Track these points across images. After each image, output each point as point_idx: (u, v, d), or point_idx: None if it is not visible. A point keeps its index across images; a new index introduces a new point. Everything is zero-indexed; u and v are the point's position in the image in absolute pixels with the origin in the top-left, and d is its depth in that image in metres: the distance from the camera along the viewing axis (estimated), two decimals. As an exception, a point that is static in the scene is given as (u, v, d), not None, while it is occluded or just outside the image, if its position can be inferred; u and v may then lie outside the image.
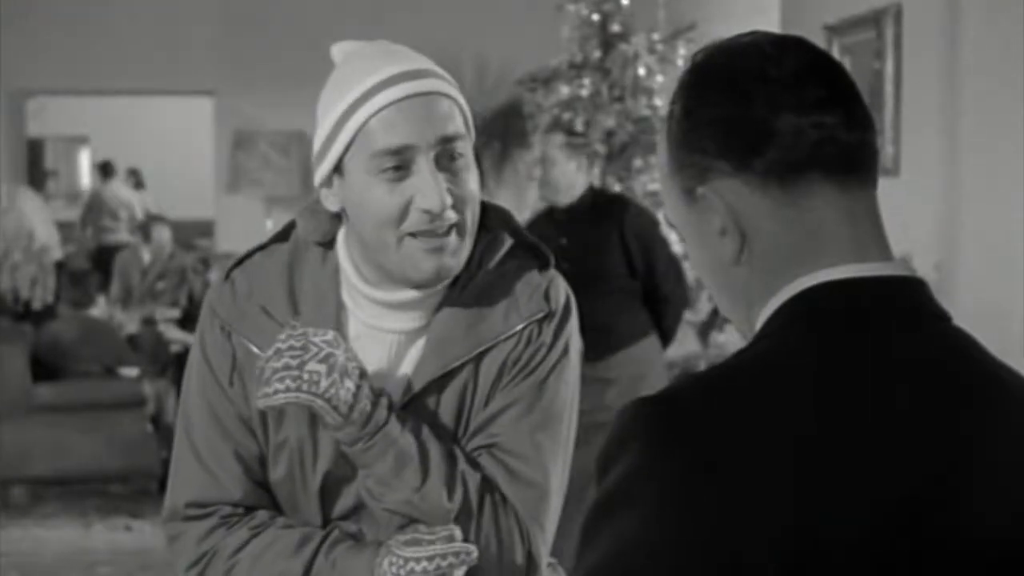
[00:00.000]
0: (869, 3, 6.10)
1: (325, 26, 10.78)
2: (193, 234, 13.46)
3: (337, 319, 1.86)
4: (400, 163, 1.75)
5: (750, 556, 1.07)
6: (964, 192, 5.39)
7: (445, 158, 1.77)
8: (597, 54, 7.54)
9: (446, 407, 1.86)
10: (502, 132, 9.87)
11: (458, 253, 1.81)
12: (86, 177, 18.04)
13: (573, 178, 5.32)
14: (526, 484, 1.84)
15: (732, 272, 1.25)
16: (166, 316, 8.59)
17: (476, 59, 10.11)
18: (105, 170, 13.68)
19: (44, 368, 7.40)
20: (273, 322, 1.84)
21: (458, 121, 1.80)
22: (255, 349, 1.83)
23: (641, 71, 7.45)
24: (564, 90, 7.51)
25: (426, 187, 1.75)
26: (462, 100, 1.82)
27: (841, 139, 1.21)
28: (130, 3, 10.92)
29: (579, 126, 7.12)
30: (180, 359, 8.27)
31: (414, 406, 1.85)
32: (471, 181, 1.81)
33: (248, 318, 1.87)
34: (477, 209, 1.83)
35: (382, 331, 1.87)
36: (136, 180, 14.50)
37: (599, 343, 5.03)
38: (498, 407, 1.85)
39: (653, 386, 5.27)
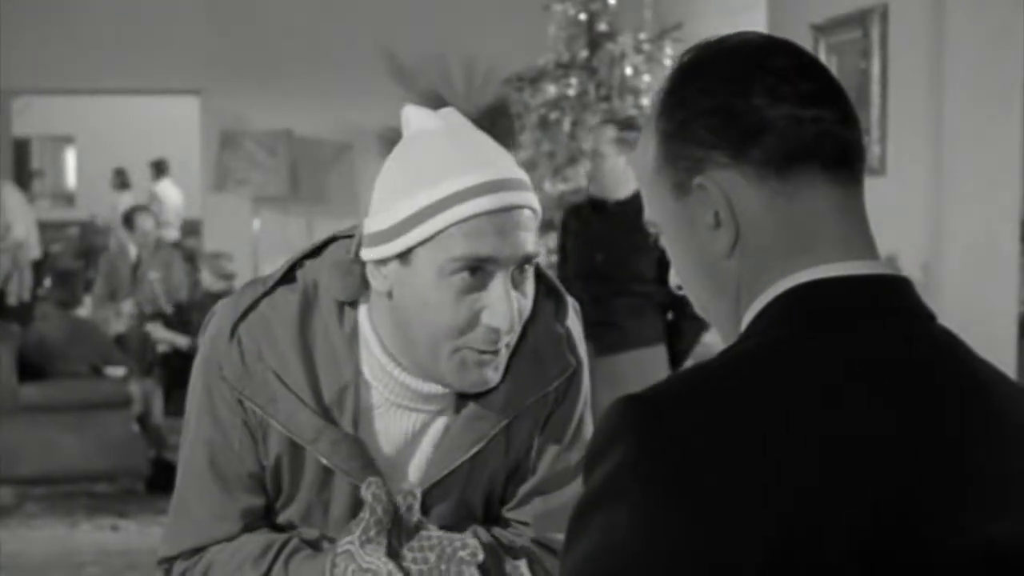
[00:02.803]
0: (855, 3, 6.11)
1: (313, 26, 10.79)
2: (183, 233, 13.47)
3: (356, 388, 1.79)
4: (478, 272, 1.67)
5: (734, 555, 1.07)
6: (950, 192, 5.39)
7: (518, 273, 1.71)
8: (584, 54, 7.55)
9: (477, 482, 1.84)
10: (490, 132, 9.85)
11: (501, 366, 1.75)
12: (72, 177, 18.01)
13: (622, 174, 5.28)
14: None
15: (722, 266, 1.25)
16: (159, 309, 8.57)
17: (464, 59, 10.11)
18: (159, 168, 13.86)
19: (30, 368, 7.38)
20: (286, 389, 1.76)
21: (535, 236, 1.72)
22: (272, 421, 1.77)
23: (628, 70, 7.45)
24: (551, 89, 7.52)
25: (499, 305, 1.67)
26: (539, 207, 1.74)
27: (838, 134, 1.22)
28: (116, 2, 10.89)
29: (566, 126, 7.12)
30: (167, 359, 8.27)
31: (443, 483, 1.81)
32: (530, 291, 1.75)
33: (258, 383, 1.77)
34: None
35: (407, 409, 1.81)
36: (121, 181, 14.48)
37: (606, 339, 5.03)
38: (546, 476, 1.86)
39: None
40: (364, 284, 1.78)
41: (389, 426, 1.81)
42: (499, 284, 1.68)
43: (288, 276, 1.82)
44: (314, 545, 1.82)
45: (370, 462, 1.78)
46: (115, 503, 7.31)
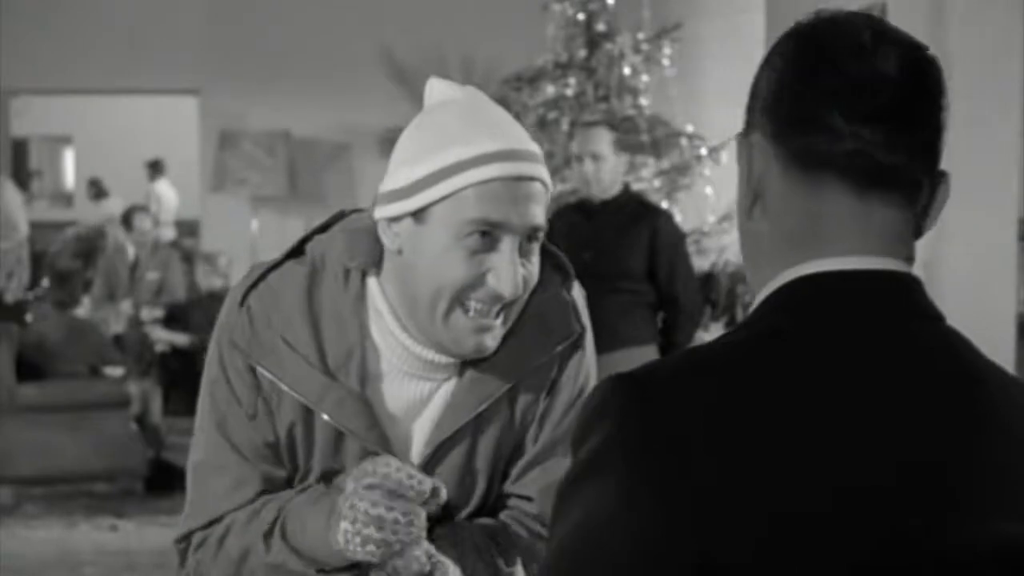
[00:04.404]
0: (854, 3, 6.10)
1: (311, 26, 10.78)
2: (179, 233, 13.46)
3: (362, 352, 1.83)
4: (488, 236, 1.73)
5: (713, 536, 1.08)
6: (951, 191, 5.37)
7: (525, 243, 1.76)
8: (582, 53, 7.55)
9: (484, 446, 1.87)
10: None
11: (500, 334, 1.79)
12: (71, 177, 17.99)
13: (618, 174, 5.32)
14: None
15: (747, 225, 1.27)
16: (152, 316, 8.57)
17: (462, 58, 10.10)
18: (155, 168, 13.77)
19: (29, 368, 7.38)
20: (296, 354, 1.80)
21: (544, 210, 1.78)
22: (280, 384, 1.81)
23: (626, 70, 7.45)
24: (550, 89, 7.52)
25: (505, 270, 1.73)
26: (550, 182, 1.80)
27: (875, 157, 1.20)
28: (115, 3, 10.88)
29: (565, 125, 7.13)
30: (165, 359, 8.27)
31: (448, 447, 1.84)
32: (536, 266, 1.80)
33: (269, 350, 1.82)
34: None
35: (415, 377, 1.85)
36: (97, 190, 14.21)
37: (598, 338, 5.01)
38: (547, 444, 1.89)
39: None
40: (376, 251, 1.83)
41: (396, 392, 1.84)
42: (507, 249, 1.73)
43: (297, 251, 1.88)
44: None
45: (375, 422, 1.82)
46: (113, 503, 7.31)
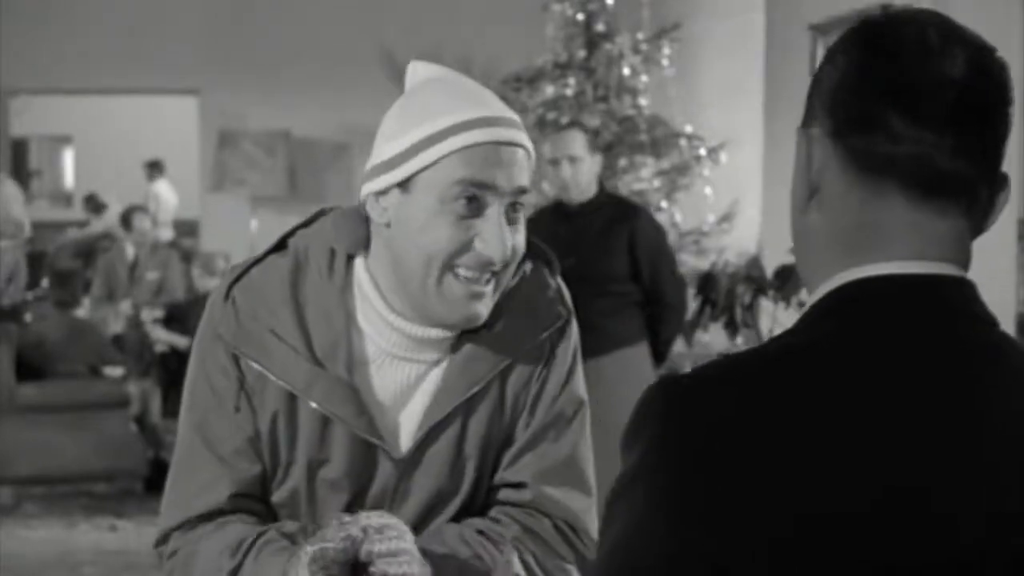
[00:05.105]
0: (855, 3, 6.11)
1: (311, 26, 10.79)
2: (178, 233, 13.45)
3: (348, 340, 1.83)
4: (474, 198, 1.74)
5: (740, 549, 1.07)
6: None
7: (511, 209, 1.77)
8: (582, 54, 7.54)
9: (473, 432, 1.86)
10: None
11: (491, 302, 1.80)
12: (70, 177, 17.99)
13: (593, 175, 5.31)
14: (581, 494, 1.92)
15: (800, 219, 1.25)
16: (152, 316, 8.58)
17: (461, 59, 10.08)
18: (155, 168, 13.67)
19: (29, 368, 7.38)
20: (283, 344, 1.81)
21: (529, 174, 1.80)
22: (267, 373, 1.81)
23: (626, 71, 7.46)
24: (549, 90, 7.52)
25: (492, 234, 1.74)
26: (533, 152, 1.83)
27: (936, 162, 1.17)
28: (115, 3, 10.89)
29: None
30: (165, 359, 8.27)
31: (438, 431, 1.84)
32: (522, 234, 1.82)
33: (255, 340, 1.82)
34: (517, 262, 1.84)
35: (404, 360, 1.85)
36: (95, 205, 13.81)
37: (587, 341, 5.01)
38: (538, 429, 1.89)
39: (639, 391, 5.27)
40: (362, 233, 1.85)
41: (385, 377, 1.84)
42: (494, 214, 1.75)
43: (279, 247, 1.90)
44: (291, 539, 1.82)
45: (364, 409, 1.82)
46: (113, 503, 7.31)
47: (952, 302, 1.19)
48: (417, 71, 1.87)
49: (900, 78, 1.17)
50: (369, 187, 1.80)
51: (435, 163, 1.74)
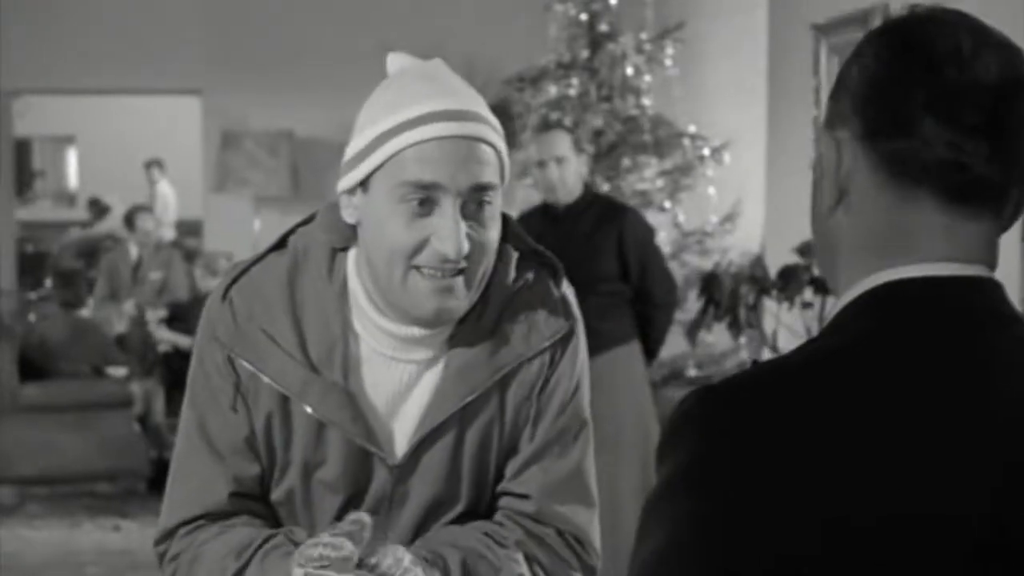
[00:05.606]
0: (856, 3, 6.10)
1: (314, 26, 10.78)
2: (181, 234, 13.45)
3: (344, 344, 1.82)
4: (425, 199, 1.72)
5: (793, 550, 1.06)
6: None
7: (473, 205, 1.74)
8: (585, 54, 7.55)
9: (471, 441, 1.85)
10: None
11: (463, 297, 1.77)
12: (73, 177, 18.00)
13: (580, 176, 5.30)
14: (585, 508, 1.91)
15: (825, 222, 1.24)
16: (155, 316, 8.58)
17: (464, 58, 10.07)
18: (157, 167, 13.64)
19: (32, 368, 7.39)
20: (277, 347, 1.80)
21: (494, 170, 1.76)
22: (261, 375, 1.81)
23: (629, 71, 7.46)
24: (552, 90, 7.52)
25: (445, 231, 1.71)
26: (503, 147, 1.78)
27: (969, 168, 1.16)
28: (116, 3, 10.89)
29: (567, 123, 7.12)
30: (168, 359, 8.27)
31: (433, 438, 1.83)
32: (493, 231, 1.78)
33: (251, 342, 1.81)
34: (492, 260, 1.80)
35: (395, 360, 1.84)
36: (98, 209, 13.64)
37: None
38: (542, 444, 1.87)
39: (634, 391, 5.28)
40: (351, 231, 1.84)
41: (379, 379, 1.83)
42: (448, 210, 1.72)
43: (279, 245, 1.89)
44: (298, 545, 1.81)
45: (359, 414, 1.81)
46: (116, 503, 7.31)
47: (986, 303, 1.18)
48: (394, 62, 1.86)
49: (935, 84, 1.16)
50: (340, 186, 1.81)
51: (387, 161, 1.72)
